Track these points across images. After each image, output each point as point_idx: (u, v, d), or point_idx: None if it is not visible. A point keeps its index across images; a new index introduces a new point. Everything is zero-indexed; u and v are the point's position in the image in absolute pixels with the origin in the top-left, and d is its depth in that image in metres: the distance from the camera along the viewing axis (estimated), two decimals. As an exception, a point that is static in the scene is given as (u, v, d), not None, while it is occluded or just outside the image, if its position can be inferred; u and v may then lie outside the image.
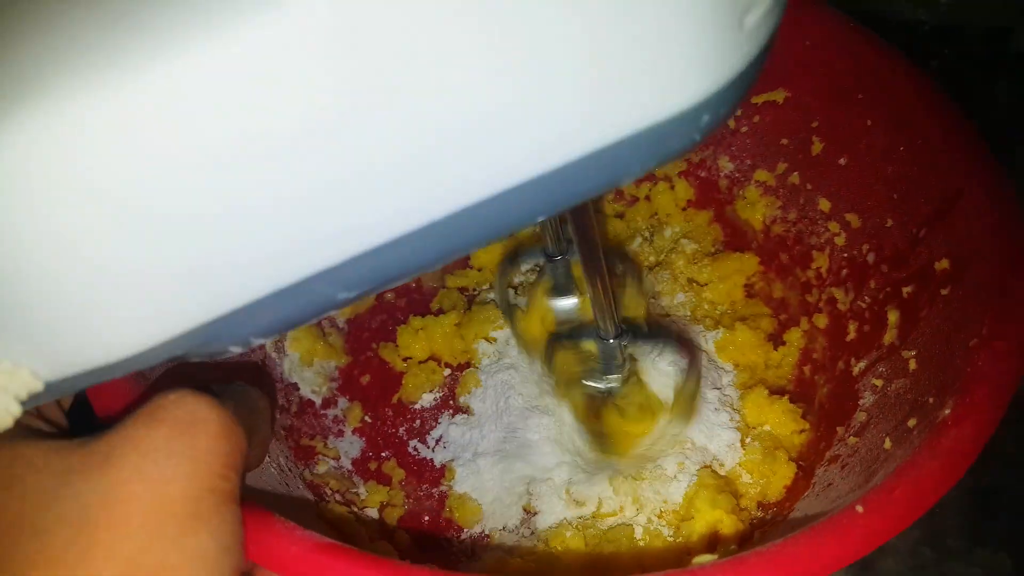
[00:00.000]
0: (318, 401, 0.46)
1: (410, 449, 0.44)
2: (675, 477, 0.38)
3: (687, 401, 0.39)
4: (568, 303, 0.41)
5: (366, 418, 0.46)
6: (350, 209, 0.17)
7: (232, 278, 0.18)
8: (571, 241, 0.38)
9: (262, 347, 0.44)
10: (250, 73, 0.15)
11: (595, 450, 0.39)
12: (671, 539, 0.37)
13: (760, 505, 0.39)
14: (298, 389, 0.45)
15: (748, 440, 0.41)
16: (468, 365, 0.46)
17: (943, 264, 0.34)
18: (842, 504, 0.27)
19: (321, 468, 0.43)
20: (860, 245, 0.41)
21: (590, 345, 0.37)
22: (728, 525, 0.36)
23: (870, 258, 0.40)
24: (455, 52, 0.16)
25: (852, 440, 0.35)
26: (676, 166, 0.50)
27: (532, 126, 0.17)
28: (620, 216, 0.51)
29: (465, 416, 0.45)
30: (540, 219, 0.19)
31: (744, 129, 0.46)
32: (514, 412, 0.42)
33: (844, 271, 0.42)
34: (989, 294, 0.31)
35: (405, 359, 0.47)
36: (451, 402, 0.46)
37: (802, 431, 0.40)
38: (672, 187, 0.50)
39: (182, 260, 0.17)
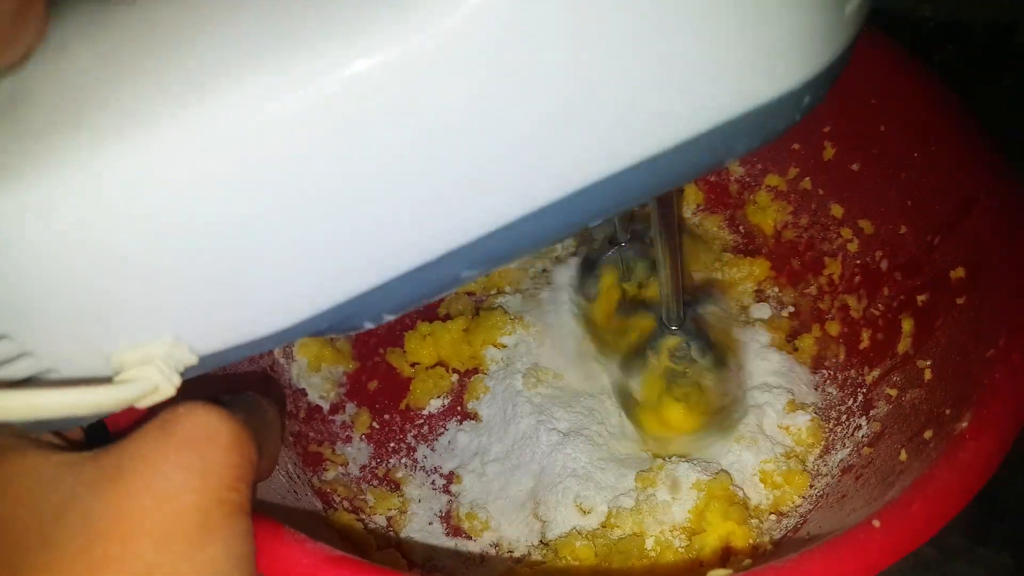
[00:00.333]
0: (326, 407, 0.46)
1: (418, 455, 0.44)
2: (687, 488, 0.38)
3: (732, 391, 0.39)
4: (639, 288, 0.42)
5: (374, 424, 0.45)
6: (482, 193, 0.19)
7: (373, 259, 0.20)
8: (637, 229, 0.41)
9: (270, 352, 0.44)
10: (407, 79, 0.17)
11: (630, 419, 0.40)
12: (683, 551, 0.37)
13: (773, 516, 0.38)
14: (306, 395, 0.45)
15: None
16: (476, 371, 0.46)
17: (959, 272, 0.34)
18: (857, 517, 0.26)
19: (329, 475, 0.42)
20: (873, 252, 0.40)
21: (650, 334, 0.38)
22: (740, 537, 0.35)
23: (883, 265, 0.40)
24: (592, 41, 0.17)
25: (866, 451, 0.35)
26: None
27: (656, 107, 0.18)
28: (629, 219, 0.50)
29: (473, 422, 0.44)
30: (654, 196, 0.21)
31: (755, 134, 0.46)
32: (522, 419, 0.42)
33: (857, 278, 0.42)
34: (1006, 304, 0.30)
35: (413, 365, 0.47)
36: (459, 408, 0.45)
37: (816, 440, 0.40)
38: (681, 190, 0.50)
39: (333, 243, 0.19)
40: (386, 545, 0.40)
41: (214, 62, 0.18)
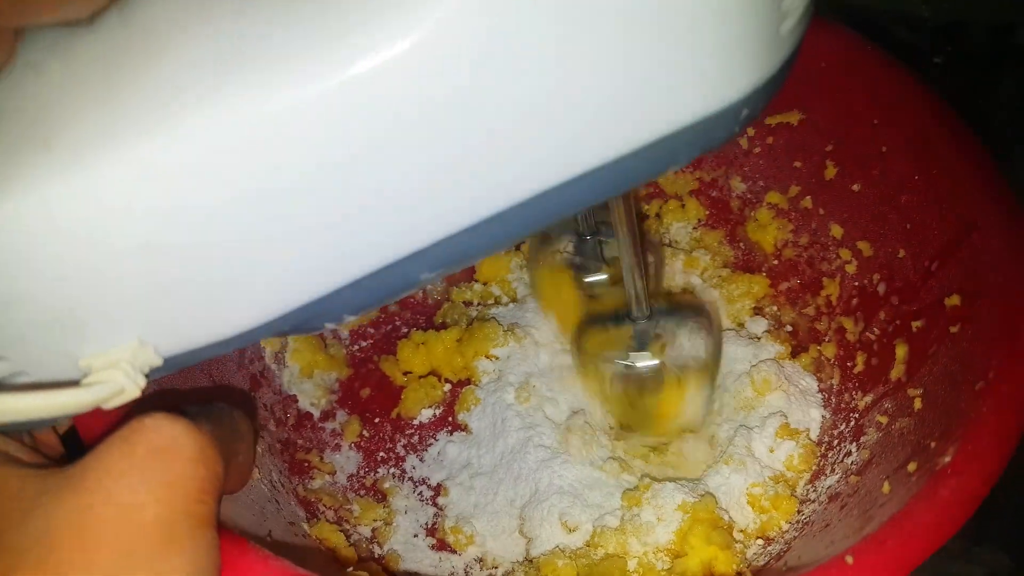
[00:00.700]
0: (317, 414, 0.45)
1: (407, 466, 0.44)
2: (672, 510, 0.37)
3: (711, 368, 0.39)
4: (598, 279, 0.43)
5: (364, 432, 0.45)
6: (437, 199, 0.20)
7: (333, 261, 0.21)
8: (600, 222, 0.42)
9: (261, 358, 0.44)
10: (362, 88, 0.18)
11: (623, 430, 0.41)
12: (664, 574, 0.36)
13: (760, 540, 0.38)
14: (297, 401, 0.45)
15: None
16: (468, 382, 0.46)
17: (954, 300, 0.33)
18: (836, 549, 0.26)
19: (315, 483, 0.42)
20: (871, 275, 0.40)
21: (619, 328, 0.39)
22: (723, 563, 0.35)
23: (880, 288, 0.39)
24: (535, 60, 0.18)
25: (854, 479, 0.34)
26: (688, 184, 0.49)
27: (600, 122, 0.19)
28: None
29: (463, 434, 0.44)
30: (599, 202, 0.22)
31: (757, 150, 0.45)
32: (511, 433, 0.42)
33: (854, 300, 0.41)
34: (998, 335, 0.29)
35: (405, 373, 0.47)
36: (450, 419, 0.45)
37: (807, 466, 0.39)
38: (683, 205, 0.49)
39: (292, 245, 0.20)
40: (369, 557, 0.40)
41: (175, 83, 0.18)
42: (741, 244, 0.48)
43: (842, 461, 0.37)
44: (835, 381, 0.41)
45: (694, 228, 0.49)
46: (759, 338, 0.44)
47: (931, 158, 0.36)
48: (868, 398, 0.38)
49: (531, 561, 0.39)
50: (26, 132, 0.19)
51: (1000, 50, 0.54)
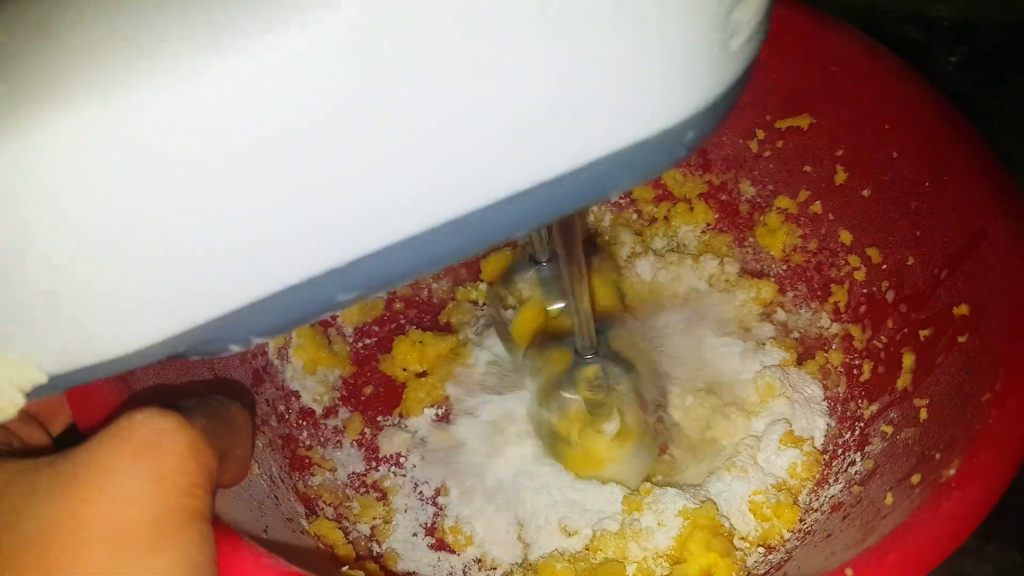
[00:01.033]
0: (319, 410, 0.45)
1: (408, 465, 0.44)
2: (673, 515, 0.37)
3: (636, 430, 0.38)
4: (558, 307, 0.41)
5: (366, 430, 0.45)
6: (352, 213, 0.18)
7: (234, 278, 0.19)
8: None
9: (264, 353, 0.44)
10: (262, 74, 0.16)
11: (553, 456, 0.40)
12: (663, 580, 0.36)
13: (761, 548, 0.37)
14: (299, 397, 0.45)
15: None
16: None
17: (962, 309, 0.33)
18: (837, 560, 0.26)
19: (316, 480, 0.42)
20: (880, 282, 0.39)
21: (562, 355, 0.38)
22: (722, 570, 0.34)
23: (889, 296, 0.38)
24: (451, 71, 0.16)
25: (857, 489, 0.34)
26: (696, 188, 0.48)
27: (523, 141, 0.18)
28: (638, 234, 0.49)
29: (463, 435, 0.44)
30: (531, 229, 0.20)
31: (767, 154, 0.45)
32: (511, 435, 0.42)
33: (863, 307, 0.40)
34: (1006, 346, 0.29)
35: (405, 370, 0.46)
36: (450, 419, 0.45)
37: (810, 475, 0.39)
38: (692, 208, 0.49)
39: (185, 259, 0.18)
40: (367, 555, 0.40)
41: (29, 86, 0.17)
42: (749, 249, 0.47)
43: (846, 471, 0.36)
44: (841, 389, 0.41)
45: (702, 232, 0.49)
46: (765, 344, 0.44)
47: (942, 164, 0.36)
48: (874, 407, 0.37)
49: (530, 564, 0.39)
50: None
51: (1015, 49, 0.53)
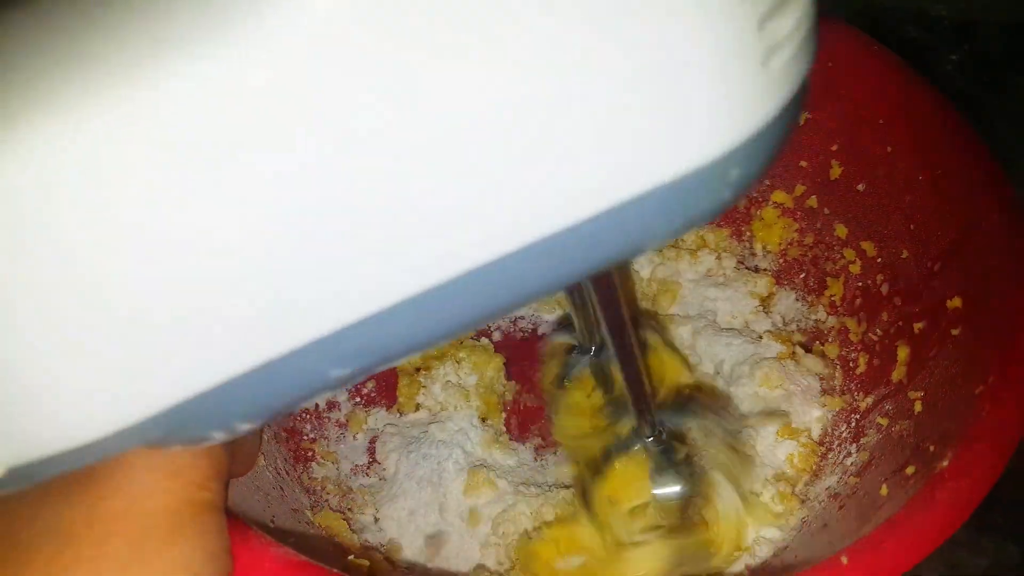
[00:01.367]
0: (322, 403, 0.46)
1: (408, 457, 0.44)
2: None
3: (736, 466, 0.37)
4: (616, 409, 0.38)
5: (368, 423, 0.45)
6: (342, 271, 0.16)
7: (205, 351, 0.16)
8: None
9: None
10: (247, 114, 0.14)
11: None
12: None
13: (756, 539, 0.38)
14: (301, 391, 0.45)
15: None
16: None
17: (955, 302, 0.33)
18: (833, 550, 0.26)
19: (319, 472, 0.43)
20: (875, 275, 0.40)
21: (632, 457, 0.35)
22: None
23: (884, 289, 0.39)
24: (451, 101, 0.14)
25: (853, 480, 0.34)
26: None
27: (537, 181, 0.15)
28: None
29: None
30: (553, 288, 0.17)
31: (764, 148, 0.45)
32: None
33: (858, 300, 0.41)
34: (998, 339, 0.30)
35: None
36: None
37: (806, 466, 0.39)
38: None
39: (147, 330, 0.15)
40: (371, 545, 0.40)
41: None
42: (746, 243, 0.48)
43: (842, 462, 0.37)
44: (837, 382, 0.41)
45: (699, 226, 0.49)
46: (762, 337, 0.44)
47: (936, 159, 0.36)
48: (869, 399, 0.38)
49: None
50: None
51: (1015, 49, 0.53)
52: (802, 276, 0.45)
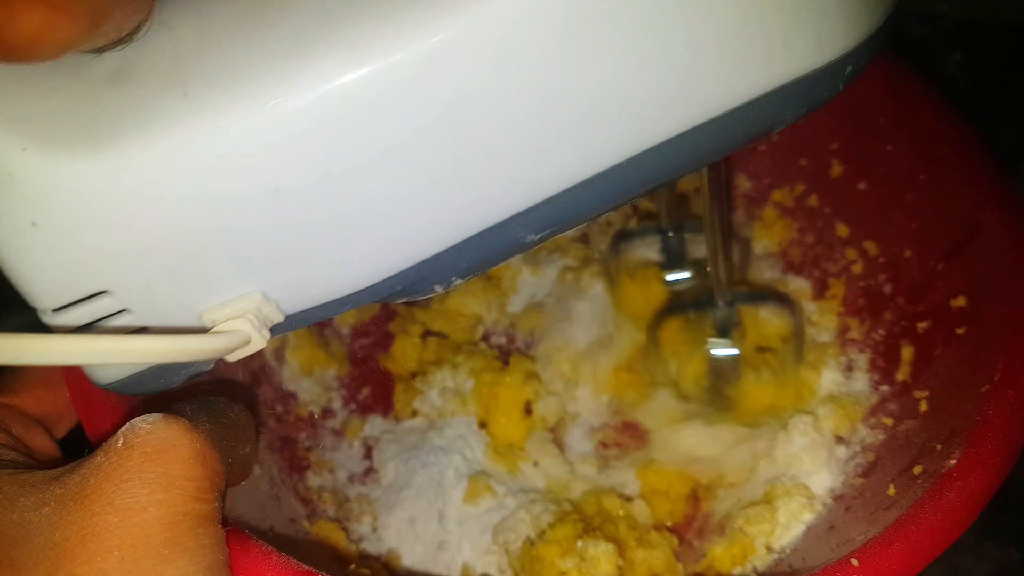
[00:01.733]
0: (317, 411, 0.45)
1: (405, 464, 0.44)
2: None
3: (798, 342, 0.40)
4: (680, 276, 0.43)
5: (364, 430, 0.45)
6: (542, 159, 0.21)
7: (442, 223, 0.22)
8: (685, 216, 0.43)
9: (260, 354, 0.44)
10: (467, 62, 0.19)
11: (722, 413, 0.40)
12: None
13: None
14: (296, 398, 0.45)
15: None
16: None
17: (959, 301, 0.33)
18: (841, 552, 0.26)
19: (314, 481, 0.42)
20: (877, 275, 0.39)
21: (700, 315, 0.40)
22: (725, 562, 0.34)
23: (887, 289, 0.39)
24: (645, 17, 0.19)
25: (858, 481, 0.34)
26: (692, 182, 0.49)
27: (704, 77, 0.20)
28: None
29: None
30: (705, 164, 0.23)
31: (762, 148, 0.45)
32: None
33: (860, 300, 0.41)
34: (1004, 337, 0.29)
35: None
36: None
37: (814, 467, 0.39)
38: (688, 203, 0.49)
39: (403, 208, 0.21)
40: (370, 555, 0.39)
41: (299, 36, 0.20)
42: (746, 243, 0.47)
43: (847, 463, 0.36)
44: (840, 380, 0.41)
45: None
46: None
47: (937, 157, 0.36)
48: (873, 400, 0.37)
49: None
50: (164, 83, 0.20)
51: (1018, 48, 0.53)
52: (803, 276, 0.45)
